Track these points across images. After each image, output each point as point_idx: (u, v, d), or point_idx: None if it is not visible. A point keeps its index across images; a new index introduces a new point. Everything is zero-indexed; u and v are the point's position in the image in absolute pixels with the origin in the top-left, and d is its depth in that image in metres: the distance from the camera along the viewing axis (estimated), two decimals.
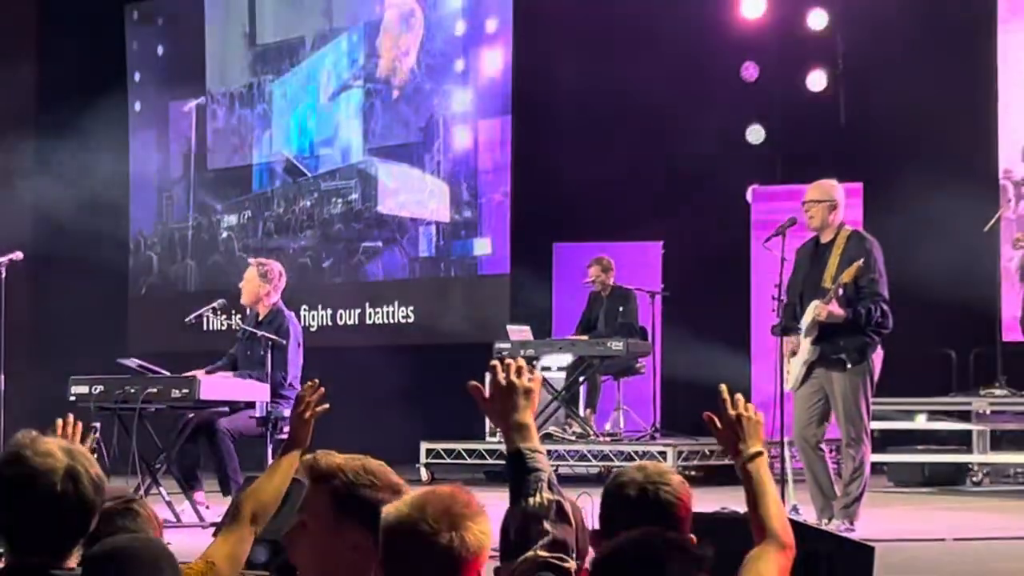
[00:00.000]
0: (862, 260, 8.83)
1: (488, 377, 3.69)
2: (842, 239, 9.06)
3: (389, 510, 3.26)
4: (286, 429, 10.39)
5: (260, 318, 10.94)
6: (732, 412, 3.86)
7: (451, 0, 16.83)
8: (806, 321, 9.00)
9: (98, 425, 4.43)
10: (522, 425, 3.62)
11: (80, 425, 4.28)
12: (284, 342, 10.56)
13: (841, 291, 8.88)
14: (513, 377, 3.66)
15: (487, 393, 3.69)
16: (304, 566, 3.62)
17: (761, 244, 9.62)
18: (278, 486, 4.33)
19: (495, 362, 3.66)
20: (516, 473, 3.56)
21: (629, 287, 13.97)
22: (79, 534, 3.39)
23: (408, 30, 17.24)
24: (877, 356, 9.02)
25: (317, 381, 4.47)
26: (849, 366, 8.91)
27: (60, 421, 4.23)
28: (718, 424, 3.87)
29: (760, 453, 3.83)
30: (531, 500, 3.49)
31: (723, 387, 3.91)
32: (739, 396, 3.88)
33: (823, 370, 9.01)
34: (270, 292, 10.97)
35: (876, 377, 9.06)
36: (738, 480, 3.85)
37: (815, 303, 8.95)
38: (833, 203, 9.12)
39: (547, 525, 3.46)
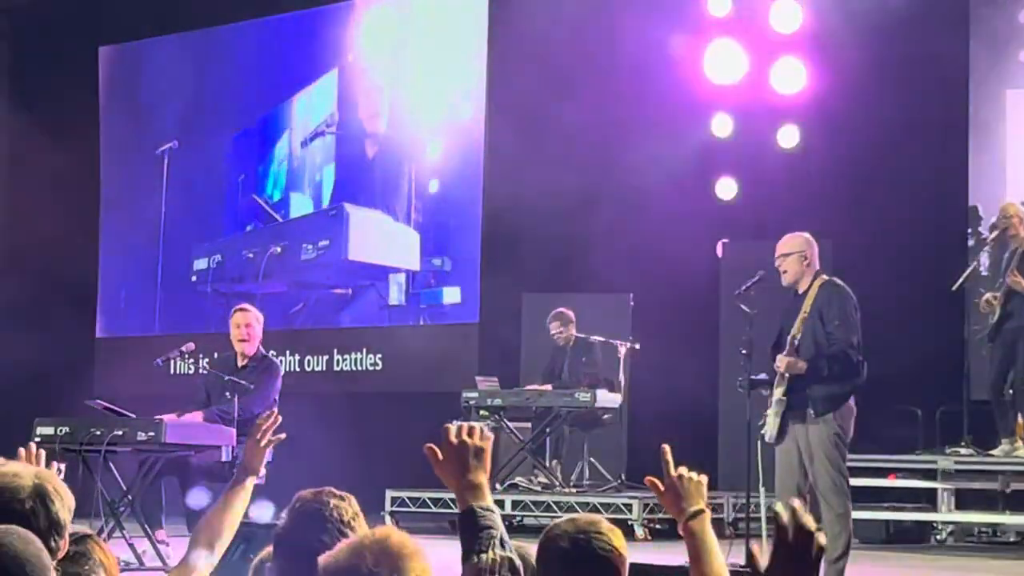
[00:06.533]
0: (804, 315, 8.87)
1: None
2: (815, 288, 9.08)
3: (325, 558, 3.25)
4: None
5: (242, 364, 10.93)
6: (674, 473, 3.92)
7: (423, 51, 16.89)
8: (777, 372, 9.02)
9: (63, 466, 4.39)
10: (474, 484, 3.65)
11: (43, 453, 4.25)
12: (251, 386, 10.53)
13: (796, 342, 8.88)
14: (464, 437, 3.68)
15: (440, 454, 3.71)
16: None
17: (730, 298, 9.63)
18: (232, 516, 4.33)
19: (448, 425, 3.69)
20: (468, 531, 3.58)
21: (592, 338, 13.96)
22: (50, 554, 3.36)
23: (380, 78, 17.28)
24: (848, 411, 9.00)
25: (276, 411, 4.49)
26: (812, 414, 8.88)
27: (23, 450, 4.20)
28: (660, 487, 3.94)
29: (702, 511, 3.91)
30: (482, 557, 3.50)
31: (665, 448, 3.98)
32: (682, 468, 3.95)
33: (792, 421, 8.99)
34: (260, 336, 11.10)
35: (850, 432, 9.02)
36: None
37: (778, 356, 8.98)
38: (803, 254, 9.14)
39: None
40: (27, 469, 3.41)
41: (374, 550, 3.18)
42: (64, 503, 3.40)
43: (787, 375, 8.92)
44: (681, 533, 3.90)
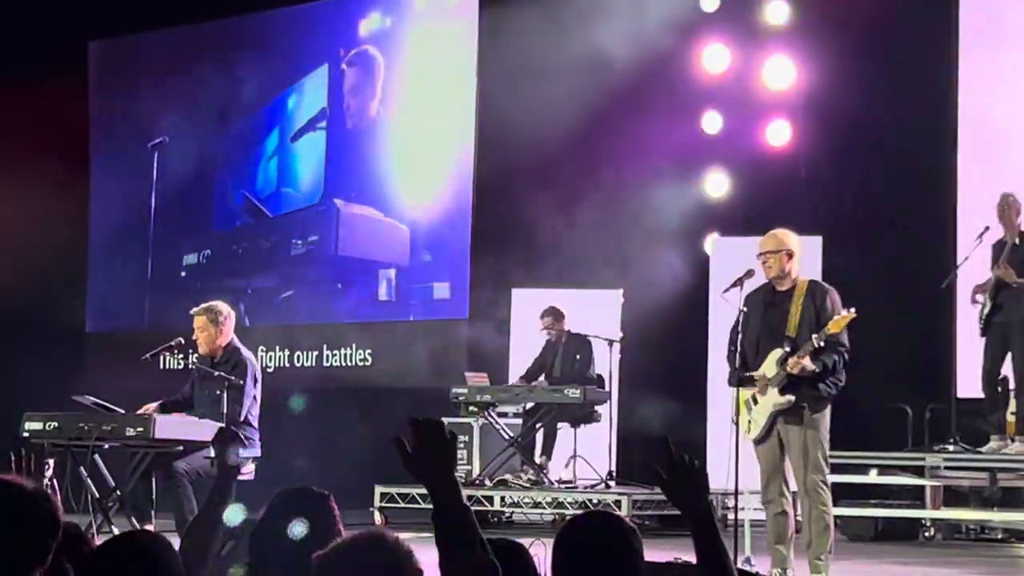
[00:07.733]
0: (852, 310, 8.88)
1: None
2: (801, 288, 9.08)
3: (319, 556, 3.25)
4: (244, 469, 10.41)
5: (216, 359, 10.84)
6: (676, 460, 3.91)
7: (413, 46, 16.88)
8: (770, 371, 9.00)
9: (51, 462, 4.39)
10: (452, 482, 3.54)
11: (31, 457, 4.24)
12: (241, 381, 10.49)
13: (823, 343, 8.87)
14: (430, 433, 3.58)
15: (409, 448, 3.60)
16: None
17: (719, 295, 9.62)
18: (219, 519, 4.36)
19: (415, 419, 3.61)
20: (450, 530, 3.50)
21: (585, 334, 13.96)
22: (42, 555, 3.37)
23: (371, 74, 17.27)
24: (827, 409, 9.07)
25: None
26: (808, 414, 8.90)
27: (13, 456, 4.19)
28: (663, 475, 3.93)
29: (707, 502, 3.90)
30: (467, 560, 3.46)
31: (667, 438, 3.97)
32: (686, 458, 3.95)
33: (782, 420, 9.00)
34: (223, 333, 10.87)
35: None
36: None
37: (777, 352, 8.96)
38: (789, 252, 9.15)
39: None
40: (22, 478, 3.42)
41: (367, 550, 3.19)
42: (57, 507, 3.41)
43: (784, 376, 8.92)
44: (686, 524, 3.89)
